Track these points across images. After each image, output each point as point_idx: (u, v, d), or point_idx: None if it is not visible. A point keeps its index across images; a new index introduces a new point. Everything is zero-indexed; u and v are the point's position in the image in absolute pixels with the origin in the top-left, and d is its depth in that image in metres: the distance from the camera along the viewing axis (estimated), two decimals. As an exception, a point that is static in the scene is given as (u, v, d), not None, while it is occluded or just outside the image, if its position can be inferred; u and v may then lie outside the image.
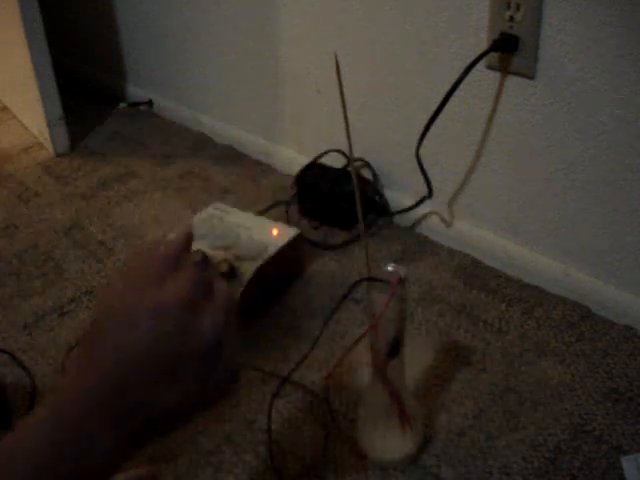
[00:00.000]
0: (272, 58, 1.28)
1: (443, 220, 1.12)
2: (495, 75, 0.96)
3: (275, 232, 1.01)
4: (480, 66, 0.94)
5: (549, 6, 0.86)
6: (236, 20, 1.31)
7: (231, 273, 0.93)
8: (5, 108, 1.65)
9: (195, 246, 1.04)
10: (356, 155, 1.17)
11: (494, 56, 0.94)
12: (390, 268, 0.66)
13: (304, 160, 1.25)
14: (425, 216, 1.14)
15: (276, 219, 1.13)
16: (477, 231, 1.08)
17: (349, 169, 1.17)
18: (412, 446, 0.75)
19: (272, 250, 0.97)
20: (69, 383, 0.43)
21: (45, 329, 0.97)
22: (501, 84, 0.96)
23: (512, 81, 0.94)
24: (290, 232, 1.02)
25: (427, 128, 0.99)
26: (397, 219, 1.18)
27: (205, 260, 0.50)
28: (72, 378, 0.43)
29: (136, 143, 1.49)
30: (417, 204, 1.11)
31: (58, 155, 1.44)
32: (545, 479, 0.74)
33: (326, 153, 1.23)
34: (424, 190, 1.07)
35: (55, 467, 0.40)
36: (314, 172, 1.20)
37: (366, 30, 1.09)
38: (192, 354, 0.43)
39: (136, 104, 1.62)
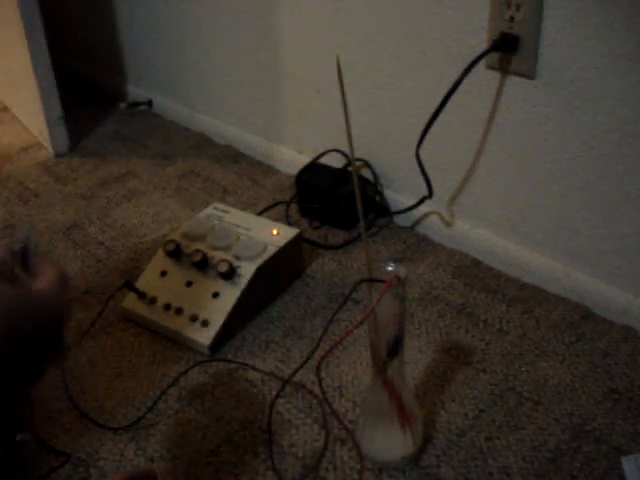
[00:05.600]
0: (272, 58, 1.28)
1: (443, 220, 1.12)
2: (495, 75, 0.96)
3: (275, 232, 1.01)
4: (480, 66, 0.94)
5: (549, 6, 0.86)
6: (236, 20, 1.31)
7: (231, 273, 0.93)
8: (5, 108, 1.65)
9: (195, 246, 1.05)
10: (356, 155, 1.17)
11: (494, 56, 0.94)
12: (390, 268, 0.66)
13: (304, 160, 1.25)
14: (425, 216, 1.14)
15: (276, 219, 1.13)
16: (477, 231, 1.08)
17: (349, 169, 1.17)
18: (412, 446, 0.75)
19: (272, 250, 0.97)
20: None
21: (45, 329, 0.97)
22: (501, 84, 0.96)
23: (512, 81, 0.94)
24: (290, 232, 1.02)
25: (427, 128, 0.99)
26: (397, 219, 1.18)
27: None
28: None
29: (136, 143, 1.49)
30: (417, 204, 1.11)
31: (58, 155, 1.44)
32: (545, 479, 0.74)
33: (326, 153, 1.23)
34: (424, 190, 1.07)
35: None
36: (314, 172, 1.20)
37: (366, 30, 1.09)
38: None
39: (136, 104, 1.61)
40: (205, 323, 0.91)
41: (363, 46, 1.11)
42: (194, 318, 0.92)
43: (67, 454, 0.78)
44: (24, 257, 0.54)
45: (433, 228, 1.14)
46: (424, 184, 1.06)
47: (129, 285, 0.96)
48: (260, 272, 0.95)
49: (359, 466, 0.75)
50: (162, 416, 0.83)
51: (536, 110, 0.93)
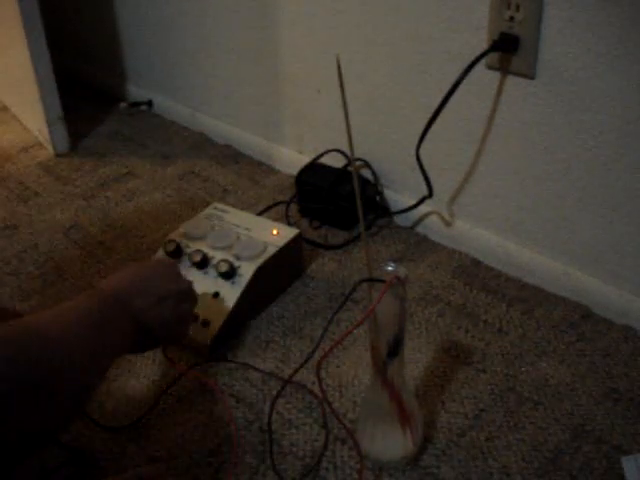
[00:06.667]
0: (272, 58, 1.28)
1: (443, 220, 1.12)
2: (495, 75, 0.96)
3: (275, 232, 1.01)
4: (480, 66, 0.94)
5: (549, 6, 0.86)
6: (236, 20, 1.31)
7: (231, 273, 0.93)
8: (5, 108, 1.65)
9: (195, 246, 1.04)
10: (356, 155, 1.17)
11: (494, 56, 0.94)
12: (390, 268, 0.66)
13: (304, 160, 1.25)
14: (425, 216, 1.14)
15: (276, 219, 1.13)
16: (477, 231, 1.08)
17: (349, 169, 1.17)
18: (412, 446, 0.75)
19: (272, 250, 0.97)
20: (107, 289, 0.70)
21: (45, 329, 0.97)
22: (501, 84, 0.96)
23: (512, 81, 0.94)
24: (290, 232, 1.02)
25: (427, 128, 0.99)
26: (397, 219, 1.18)
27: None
28: (109, 288, 0.70)
29: (136, 143, 1.49)
30: (417, 204, 1.11)
31: (58, 155, 1.44)
32: (545, 479, 0.74)
33: (326, 153, 1.23)
34: (424, 190, 1.07)
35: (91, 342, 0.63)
36: (314, 172, 1.20)
37: (366, 30, 1.09)
38: (173, 294, 0.75)
39: (136, 104, 1.61)
40: (205, 323, 0.91)
41: (363, 46, 1.11)
42: (194, 318, 0.92)
43: (80, 450, 0.78)
44: None
45: (433, 228, 1.14)
46: (424, 184, 1.06)
47: (129, 285, 0.96)
48: (260, 272, 0.95)
49: (359, 466, 0.75)
50: (162, 416, 0.83)
51: (536, 110, 0.93)
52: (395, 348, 0.69)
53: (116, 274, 0.73)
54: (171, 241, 0.98)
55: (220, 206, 1.07)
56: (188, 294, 0.79)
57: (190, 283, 0.80)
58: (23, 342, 0.57)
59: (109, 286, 0.70)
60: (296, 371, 0.85)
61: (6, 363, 0.54)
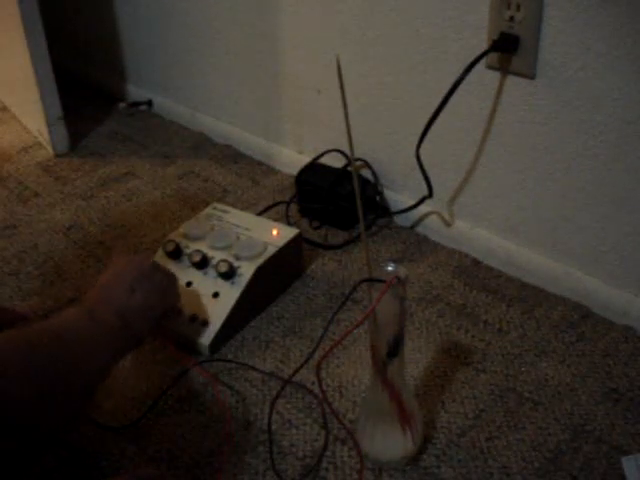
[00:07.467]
0: (272, 58, 1.28)
1: (443, 220, 1.12)
2: (495, 75, 0.96)
3: (275, 232, 1.01)
4: (480, 66, 0.94)
5: (549, 6, 0.86)
6: (236, 20, 1.31)
7: (231, 273, 0.93)
8: (5, 108, 1.65)
9: (195, 246, 1.04)
10: (356, 155, 1.17)
11: (494, 56, 0.94)
12: (390, 268, 0.66)
13: (304, 160, 1.25)
14: (425, 216, 1.14)
15: (276, 219, 1.13)
16: (477, 231, 1.08)
17: (349, 169, 1.17)
18: (412, 446, 0.75)
19: (272, 250, 0.97)
20: (94, 297, 0.77)
21: (45, 329, 0.97)
22: (501, 84, 0.96)
23: (512, 81, 0.94)
24: (290, 232, 1.02)
25: (427, 128, 0.99)
26: (397, 219, 1.18)
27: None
28: (95, 295, 0.77)
29: (136, 143, 1.49)
30: (417, 204, 1.11)
31: (57, 155, 1.44)
32: (545, 479, 0.74)
33: (326, 153, 1.23)
34: (424, 190, 1.07)
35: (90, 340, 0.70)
36: (314, 172, 1.20)
37: (366, 30, 1.09)
38: (139, 276, 0.80)
39: (136, 104, 1.61)
40: (205, 323, 0.91)
41: (363, 46, 1.10)
42: (194, 318, 0.92)
43: (80, 450, 0.79)
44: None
45: (433, 228, 1.14)
46: (424, 184, 1.06)
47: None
48: (260, 272, 0.95)
49: (359, 466, 0.75)
50: (162, 416, 0.83)
51: (536, 110, 0.93)
52: (395, 348, 0.69)
53: (87, 294, 0.79)
54: (171, 241, 0.98)
55: (220, 206, 1.07)
56: (150, 266, 0.83)
57: (148, 254, 0.87)
58: (37, 342, 0.63)
59: (85, 302, 0.76)
60: (296, 371, 0.85)
61: (23, 364, 0.58)
